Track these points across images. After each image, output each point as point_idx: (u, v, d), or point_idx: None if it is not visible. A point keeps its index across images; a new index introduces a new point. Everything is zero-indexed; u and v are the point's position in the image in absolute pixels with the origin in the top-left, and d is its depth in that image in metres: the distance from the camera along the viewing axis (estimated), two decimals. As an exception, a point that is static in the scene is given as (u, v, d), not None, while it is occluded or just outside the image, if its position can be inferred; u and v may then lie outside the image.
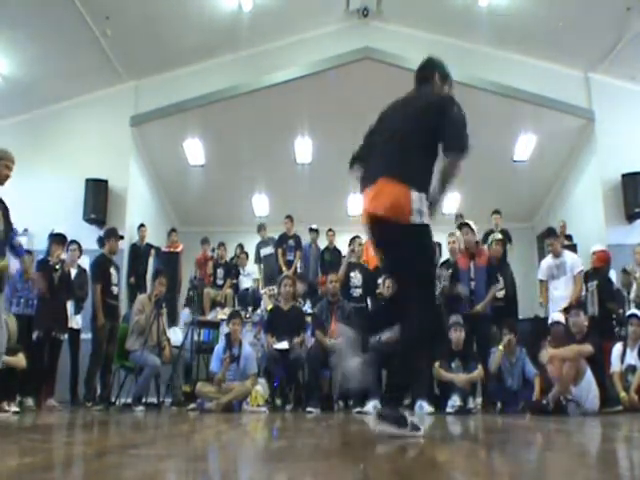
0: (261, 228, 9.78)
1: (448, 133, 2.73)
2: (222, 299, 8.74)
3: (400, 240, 2.68)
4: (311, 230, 9.51)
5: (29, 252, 6.26)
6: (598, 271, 6.95)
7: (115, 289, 6.69)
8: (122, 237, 7.24)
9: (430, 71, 3.01)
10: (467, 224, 6.64)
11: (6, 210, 4.76)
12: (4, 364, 4.64)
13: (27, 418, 4.47)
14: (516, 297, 7.19)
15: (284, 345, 6.28)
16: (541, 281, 6.89)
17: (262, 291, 8.23)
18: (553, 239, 6.71)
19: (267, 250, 9.52)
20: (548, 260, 6.75)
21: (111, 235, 6.81)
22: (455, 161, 2.71)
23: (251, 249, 9.79)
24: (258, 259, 9.58)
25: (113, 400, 6.44)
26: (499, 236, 7.07)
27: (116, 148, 9.11)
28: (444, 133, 2.73)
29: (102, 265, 6.61)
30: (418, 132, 2.78)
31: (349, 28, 9.07)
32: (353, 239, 7.85)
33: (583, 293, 6.70)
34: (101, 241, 7.00)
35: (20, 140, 9.11)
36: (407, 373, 2.94)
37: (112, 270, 6.67)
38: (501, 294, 6.71)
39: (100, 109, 9.24)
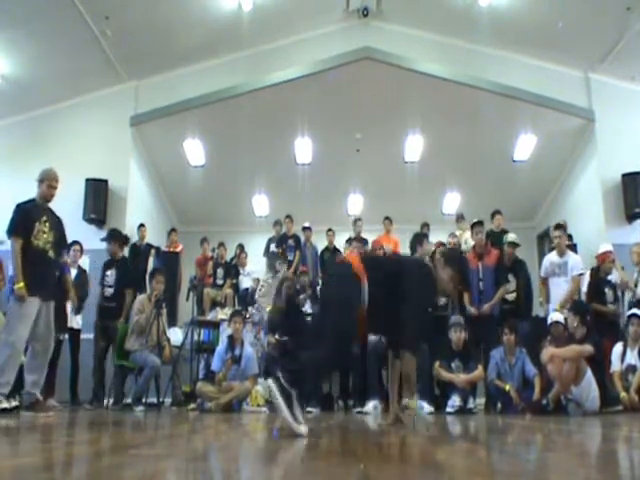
0: (277, 224, 9.79)
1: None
2: (222, 299, 8.73)
3: None
4: (304, 229, 9.51)
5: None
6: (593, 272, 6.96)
7: (110, 290, 6.73)
8: (128, 240, 7.28)
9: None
10: (481, 223, 6.55)
11: (59, 224, 4.78)
12: None
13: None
14: (531, 298, 6.95)
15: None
16: (541, 278, 6.86)
17: (256, 296, 8.15)
18: (561, 232, 6.60)
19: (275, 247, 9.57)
20: (551, 257, 6.67)
21: (112, 239, 6.84)
22: None
23: (251, 249, 9.78)
24: (267, 252, 9.61)
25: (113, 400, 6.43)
26: (512, 238, 6.79)
27: (116, 148, 9.11)
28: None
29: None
30: None
31: (349, 28, 9.05)
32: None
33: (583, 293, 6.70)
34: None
35: (20, 140, 9.13)
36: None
37: (108, 272, 6.71)
38: (511, 297, 6.48)
39: (100, 109, 9.24)
